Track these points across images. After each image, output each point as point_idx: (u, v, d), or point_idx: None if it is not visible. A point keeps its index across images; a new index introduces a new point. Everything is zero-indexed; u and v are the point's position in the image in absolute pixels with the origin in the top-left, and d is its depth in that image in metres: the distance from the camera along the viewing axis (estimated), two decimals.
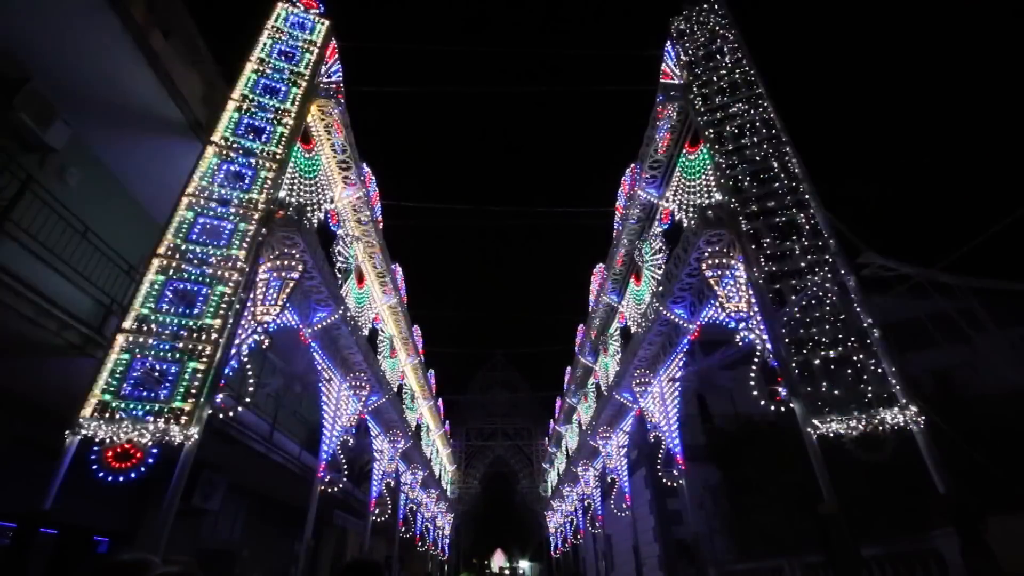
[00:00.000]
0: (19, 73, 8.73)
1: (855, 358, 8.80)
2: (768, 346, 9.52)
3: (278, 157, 10.40)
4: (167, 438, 7.53)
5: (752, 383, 9.48)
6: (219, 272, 8.95)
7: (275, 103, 11.03)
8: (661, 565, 18.57)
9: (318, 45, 12.30)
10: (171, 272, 8.78)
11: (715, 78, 12.51)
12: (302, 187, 11.31)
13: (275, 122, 10.80)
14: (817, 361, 8.90)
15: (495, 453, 42.60)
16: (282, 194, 10.35)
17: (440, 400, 31.35)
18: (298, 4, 12.75)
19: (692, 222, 11.20)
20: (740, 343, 10.02)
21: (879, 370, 8.66)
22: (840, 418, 8.39)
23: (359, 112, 13.17)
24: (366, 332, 15.48)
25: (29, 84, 8.80)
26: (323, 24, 12.75)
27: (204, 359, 8.19)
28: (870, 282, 9.95)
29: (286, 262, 10.23)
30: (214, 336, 8.40)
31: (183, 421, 7.67)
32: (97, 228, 9.55)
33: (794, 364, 8.95)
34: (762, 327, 9.75)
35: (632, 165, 14.81)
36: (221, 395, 8.36)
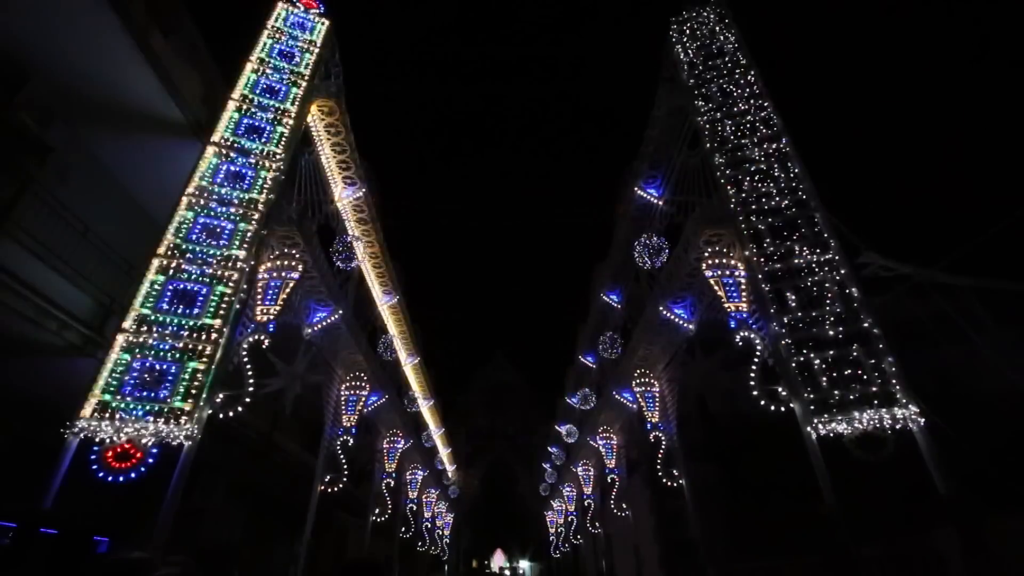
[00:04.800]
0: (19, 73, 8.73)
1: (855, 358, 8.81)
2: (768, 346, 9.53)
3: (278, 157, 10.41)
4: (167, 438, 7.54)
5: (752, 383, 9.49)
6: (219, 272, 8.96)
7: (275, 103, 11.03)
8: (661, 565, 18.56)
9: (318, 45, 12.30)
10: (171, 272, 8.79)
11: (715, 78, 12.53)
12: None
13: (275, 122, 10.80)
14: (817, 361, 8.90)
15: (495, 453, 42.57)
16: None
17: (440, 400, 31.33)
18: (298, 4, 12.75)
19: (692, 222, 11.21)
20: (740, 343, 10.03)
21: (879, 370, 8.67)
22: (840, 418, 8.40)
23: (359, 112, 13.17)
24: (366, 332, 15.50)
25: (29, 84, 8.81)
26: (323, 24, 12.75)
27: (204, 359, 8.20)
28: (870, 282, 9.94)
29: (286, 262, 10.26)
30: (214, 336, 8.41)
31: (183, 421, 7.68)
32: (97, 228, 9.54)
33: (794, 364, 8.96)
34: (762, 327, 9.76)
35: (632, 164, 14.82)
36: (221, 395, 8.39)
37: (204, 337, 8.36)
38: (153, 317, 8.37)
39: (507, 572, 51.70)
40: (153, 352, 8.12)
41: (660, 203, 13.71)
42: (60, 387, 8.46)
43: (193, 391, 7.92)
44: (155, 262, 8.79)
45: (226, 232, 9.38)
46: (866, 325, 9.00)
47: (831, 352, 8.91)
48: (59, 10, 8.24)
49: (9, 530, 9.01)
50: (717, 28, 13.35)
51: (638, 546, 20.28)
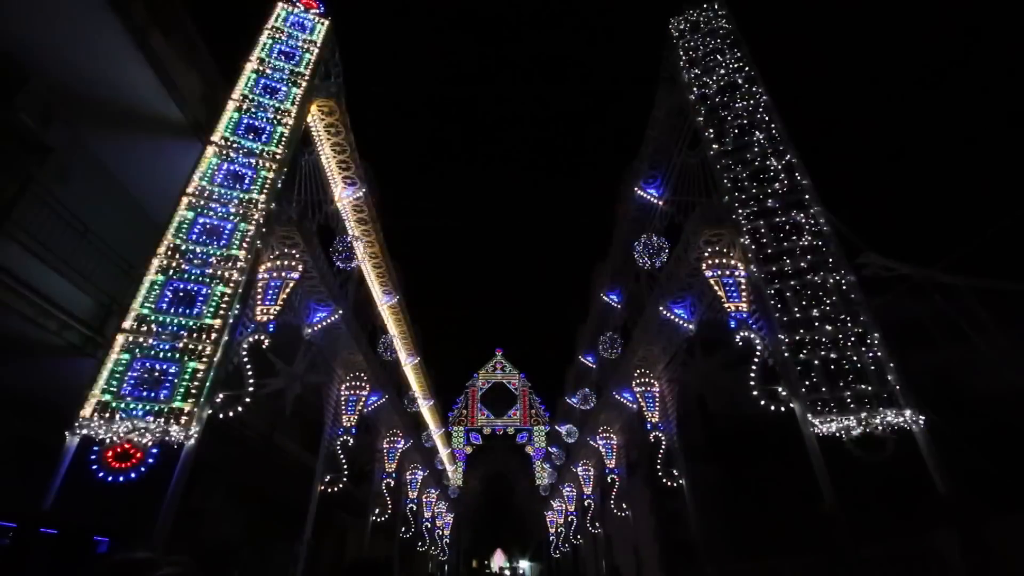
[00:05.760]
0: (19, 73, 8.72)
1: (855, 358, 8.81)
2: (768, 346, 9.53)
3: (278, 157, 10.41)
4: (167, 438, 7.54)
5: (752, 383, 9.49)
6: (219, 272, 8.96)
7: (275, 103, 11.03)
8: (661, 565, 18.55)
9: (318, 45, 12.30)
10: (171, 272, 8.80)
11: (715, 78, 12.52)
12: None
13: (275, 122, 10.80)
14: (817, 361, 8.91)
15: (495, 453, 42.55)
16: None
17: (440, 400, 31.34)
18: (298, 4, 12.75)
19: (692, 222, 11.21)
20: (740, 343, 10.03)
21: (879, 370, 8.67)
22: (840, 418, 8.40)
23: (359, 112, 13.18)
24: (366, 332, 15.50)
25: (29, 84, 8.80)
26: (323, 24, 12.75)
27: (204, 359, 8.20)
28: (870, 282, 9.94)
29: (286, 262, 10.26)
30: (214, 336, 8.41)
31: (183, 421, 7.68)
32: (97, 228, 9.53)
33: (794, 364, 8.96)
34: (762, 327, 9.76)
35: (632, 164, 14.82)
36: (221, 395, 8.39)
37: (204, 337, 8.36)
38: (153, 317, 8.37)
39: (507, 572, 51.66)
40: (153, 352, 8.12)
41: (660, 203, 13.71)
42: (60, 387, 8.46)
43: (193, 391, 7.93)
44: (155, 262, 8.80)
45: (226, 232, 9.38)
46: (866, 325, 9.00)
47: (831, 352, 8.91)
48: (59, 10, 8.24)
49: (9, 530, 9.01)
50: (717, 28, 13.34)
51: (638, 546, 20.27)
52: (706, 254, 10.68)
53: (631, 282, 16.40)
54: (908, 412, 8.26)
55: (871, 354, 8.79)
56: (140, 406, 7.68)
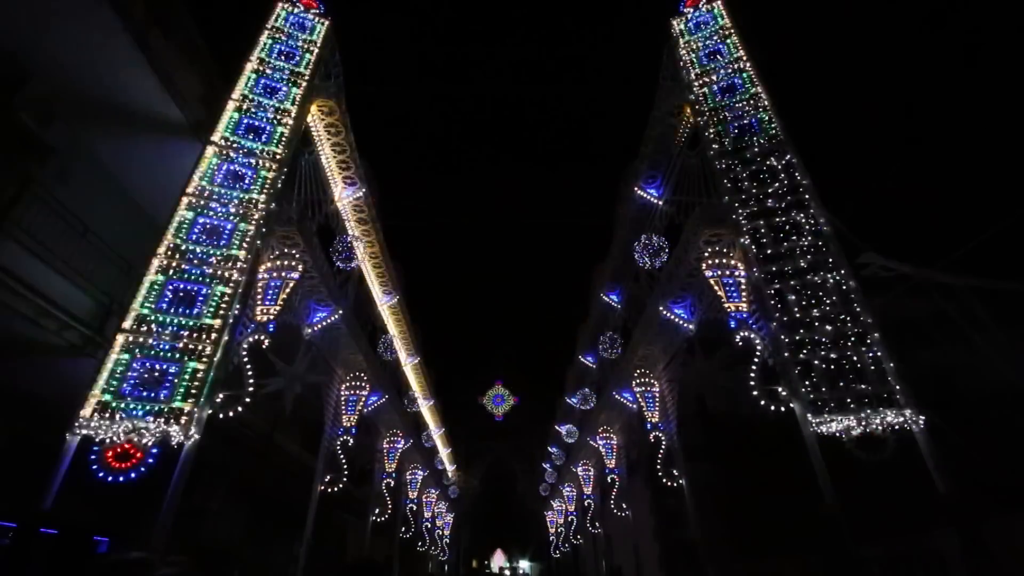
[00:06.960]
0: (19, 73, 8.73)
1: (855, 358, 8.80)
2: (768, 346, 9.53)
3: (278, 157, 10.41)
4: (167, 438, 7.54)
5: (752, 383, 9.49)
6: (219, 272, 8.96)
7: (275, 103, 11.03)
8: (661, 565, 18.55)
9: (318, 45, 12.30)
10: (171, 272, 8.80)
11: (715, 78, 12.50)
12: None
13: (275, 122, 10.81)
14: (817, 361, 8.90)
15: (495, 453, 42.57)
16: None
17: (440, 400, 31.30)
18: (298, 4, 12.75)
19: (692, 222, 11.21)
20: (740, 343, 10.03)
21: (879, 370, 8.66)
22: (840, 418, 8.39)
23: (359, 112, 13.18)
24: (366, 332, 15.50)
25: (29, 84, 8.80)
26: (323, 24, 12.75)
27: (204, 359, 8.20)
28: (870, 282, 9.93)
29: (286, 262, 10.26)
30: (214, 336, 8.41)
31: (183, 421, 7.68)
32: (97, 228, 9.54)
33: (794, 364, 8.95)
34: (762, 327, 9.76)
35: (632, 164, 14.80)
36: (221, 395, 8.39)
37: (204, 337, 8.36)
38: (153, 317, 8.38)
39: (507, 572, 51.69)
40: (153, 352, 8.12)
41: (660, 203, 13.70)
42: (60, 387, 8.47)
43: (193, 391, 7.93)
44: (155, 262, 8.80)
45: (226, 232, 9.39)
46: (866, 325, 9.00)
47: (831, 352, 8.90)
48: (59, 10, 8.24)
49: (9, 530, 9.02)
50: (717, 28, 13.33)
51: (638, 546, 20.28)
52: (706, 254, 10.67)
53: (631, 282, 16.39)
54: (908, 412, 8.25)
55: (871, 354, 8.77)
56: (140, 406, 7.68)
